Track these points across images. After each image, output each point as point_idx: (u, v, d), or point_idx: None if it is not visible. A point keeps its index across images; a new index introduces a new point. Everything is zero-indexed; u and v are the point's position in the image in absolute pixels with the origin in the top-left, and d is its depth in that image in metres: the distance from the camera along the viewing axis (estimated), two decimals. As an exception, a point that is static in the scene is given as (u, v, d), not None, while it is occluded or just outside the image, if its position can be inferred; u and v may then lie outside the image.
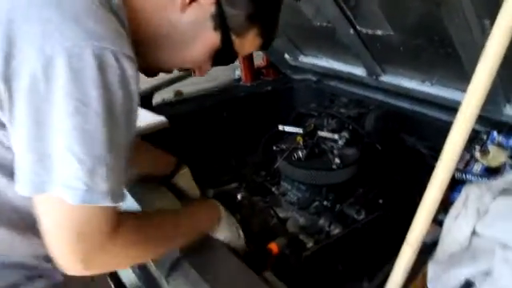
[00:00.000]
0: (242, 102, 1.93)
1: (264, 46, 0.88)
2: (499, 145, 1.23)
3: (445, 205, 0.97)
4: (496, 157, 1.19)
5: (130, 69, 0.64)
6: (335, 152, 1.42)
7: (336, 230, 1.39)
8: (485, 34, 0.97)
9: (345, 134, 1.49)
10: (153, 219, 0.86)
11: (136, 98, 0.68)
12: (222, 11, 0.76)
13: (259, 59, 2.14)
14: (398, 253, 1.13)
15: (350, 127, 1.54)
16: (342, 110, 1.61)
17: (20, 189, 0.63)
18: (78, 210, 0.64)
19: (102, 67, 0.60)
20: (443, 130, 1.57)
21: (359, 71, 1.63)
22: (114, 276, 1.49)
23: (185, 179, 1.27)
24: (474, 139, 1.26)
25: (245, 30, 0.81)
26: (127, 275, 1.43)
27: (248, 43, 0.83)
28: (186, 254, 0.92)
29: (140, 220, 0.81)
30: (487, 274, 0.72)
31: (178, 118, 1.71)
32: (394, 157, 1.58)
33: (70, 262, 0.67)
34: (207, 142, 1.83)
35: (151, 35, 0.78)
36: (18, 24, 0.60)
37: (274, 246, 1.21)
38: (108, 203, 0.64)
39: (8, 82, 0.59)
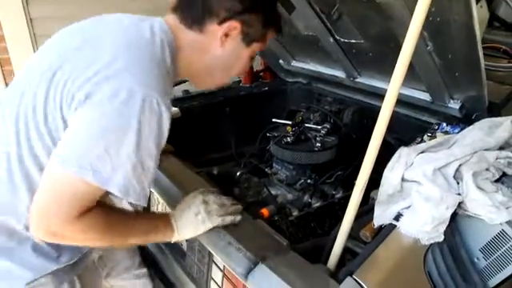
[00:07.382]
0: (242, 100, 2.21)
1: (279, 30, 1.14)
2: (446, 133, 1.53)
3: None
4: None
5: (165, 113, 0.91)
6: (317, 139, 1.73)
7: (317, 204, 1.68)
8: (425, 43, 1.28)
9: (326, 125, 1.79)
10: (118, 215, 1.06)
11: (166, 134, 0.95)
12: (247, 33, 1.05)
13: (258, 64, 2.45)
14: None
15: (331, 120, 1.85)
16: (326, 107, 1.92)
17: (60, 164, 0.88)
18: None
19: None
20: (407, 123, 1.86)
21: (340, 74, 1.94)
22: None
23: None
24: (427, 129, 1.56)
25: (265, 34, 1.10)
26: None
27: (269, 37, 1.13)
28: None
29: (109, 211, 1.02)
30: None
31: (187, 111, 1.99)
32: (367, 145, 1.87)
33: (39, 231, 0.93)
34: (212, 134, 2.08)
35: (202, 70, 1.10)
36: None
37: (265, 211, 1.47)
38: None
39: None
